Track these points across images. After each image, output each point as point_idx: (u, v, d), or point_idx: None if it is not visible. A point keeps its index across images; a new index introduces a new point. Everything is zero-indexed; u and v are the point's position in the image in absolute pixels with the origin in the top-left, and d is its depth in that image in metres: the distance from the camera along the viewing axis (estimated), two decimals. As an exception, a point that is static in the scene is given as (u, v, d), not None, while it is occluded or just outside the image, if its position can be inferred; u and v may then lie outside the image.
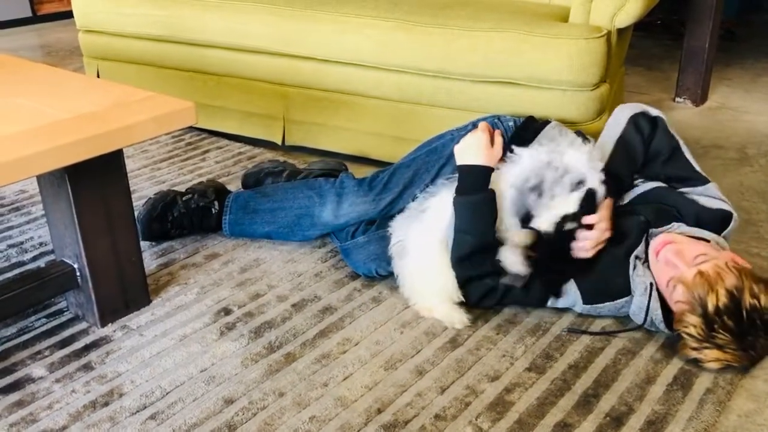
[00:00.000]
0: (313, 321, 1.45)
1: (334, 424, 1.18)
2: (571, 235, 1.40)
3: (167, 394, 1.25)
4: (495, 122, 1.62)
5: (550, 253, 1.39)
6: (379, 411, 1.21)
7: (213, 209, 1.75)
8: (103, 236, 1.38)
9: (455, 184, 1.46)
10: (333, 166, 1.95)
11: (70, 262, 1.39)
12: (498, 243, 1.42)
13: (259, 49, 2.18)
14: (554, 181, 1.38)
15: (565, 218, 1.38)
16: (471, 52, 1.86)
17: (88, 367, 1.32)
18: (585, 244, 1.40)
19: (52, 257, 1.69)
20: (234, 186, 1.96)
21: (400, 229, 1.51)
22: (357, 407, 1.22)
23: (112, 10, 2.35)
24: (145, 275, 1.50)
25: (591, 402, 1.24)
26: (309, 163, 2.01)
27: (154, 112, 1.31)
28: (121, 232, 1.42)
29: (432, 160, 1.60)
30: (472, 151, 1.46)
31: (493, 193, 1.43)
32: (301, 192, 1.70)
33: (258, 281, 1.59)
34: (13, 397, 1.25)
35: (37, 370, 1.31)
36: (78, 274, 1.39)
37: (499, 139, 1.49)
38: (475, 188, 1.43)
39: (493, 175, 1.45)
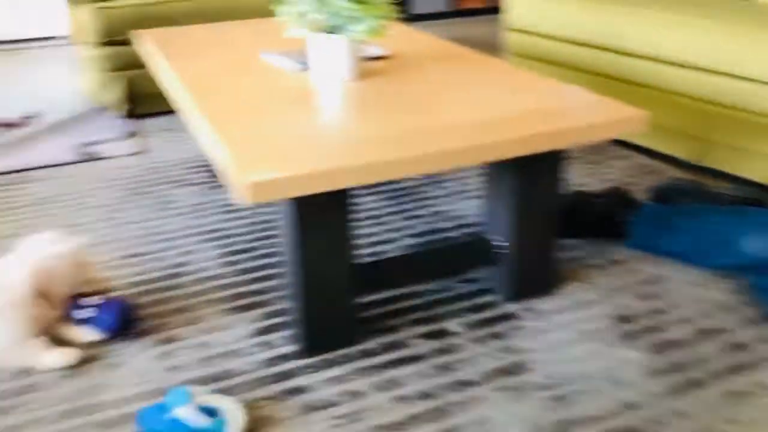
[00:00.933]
0: (722, 353, 1.39)
1: (741, 465, 1.13)
2: None
3: (569, 381, 1.32)
4: None
5: None
6: (797, 469, 1.12)
7: (620, 217, 1.78)
8: (531, 223, 1.50)
9: None
10: (754, 195, 1.82)
11: (499, 240, 1.54)
12: None
13: (687, 64, 2.12)
14: None
15: None
16: None
17: (497, 336, 1.45)
18: None
19: (467, 230, 1.89)
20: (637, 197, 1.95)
21: None
22: (769, 456, 1.15)
23: (547, 13, 2.49)
24: (554, 266, 1.59)
25: None
26: (726, 188, 1.90)
27: (607, 116, 1.37)
28: (545, 222, 1.52)
29: None
30: None
31: None
32: (722, 217, 1.63)
33: (660, 298, 1.57)
34: (435, 344, 1.44)
35: (453, 326, 1.49)
36: (504, 252, 1.53)
37: None
38: None
39: None
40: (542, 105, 1.43)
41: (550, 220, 1.52)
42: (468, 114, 1.38)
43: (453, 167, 1.27)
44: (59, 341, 1.44)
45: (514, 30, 2.69)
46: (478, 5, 4.63)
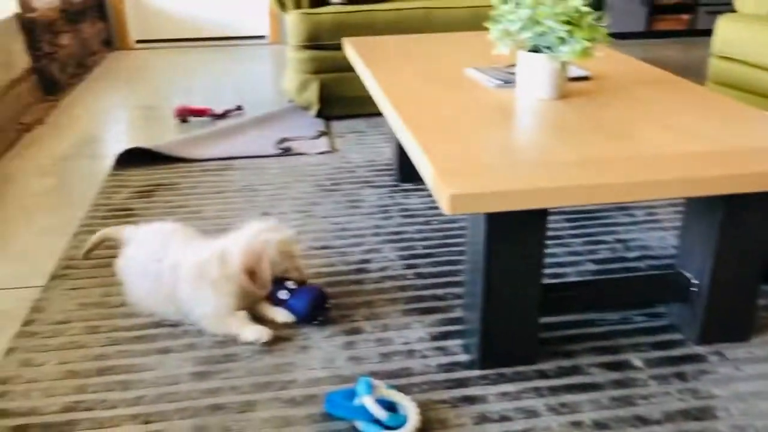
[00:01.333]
0: None
1: None
2: None
3: (762, 437, 1.24)
4: None
5: None
6: None
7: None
8: (733, 264, 1.42)
9: None
10: None
11: (690, 276, 1.48)
12: None
13: None
14: None
15: None
16: None
17: (682, 377, 1.40)
18: None
19: (652, 262, 1.82)
20: None
21: None
22: None
23: (759, 40, 2.34)
24: (752, 312, 1.49)
25: None
26: None
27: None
28: (748, 264, 1.43)
29: None
30: None
31: None
32: None
33: None
34: (614, 375, 1.41)
35: (635, 360, 1.45)
36: (695, 290, 1.47)
37: None
38: None
39: None
40: (756, 140, 1.35)
41: (753, 262, 1.43)
42: (672, 143, 1.34)
43: (653, 198, 1.24)
44: (258, 319, 1.58)
45: (718, 56, 2.54)
46: (677, 27, 4.41)
